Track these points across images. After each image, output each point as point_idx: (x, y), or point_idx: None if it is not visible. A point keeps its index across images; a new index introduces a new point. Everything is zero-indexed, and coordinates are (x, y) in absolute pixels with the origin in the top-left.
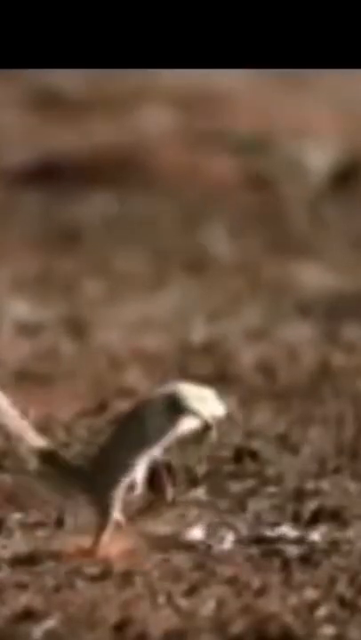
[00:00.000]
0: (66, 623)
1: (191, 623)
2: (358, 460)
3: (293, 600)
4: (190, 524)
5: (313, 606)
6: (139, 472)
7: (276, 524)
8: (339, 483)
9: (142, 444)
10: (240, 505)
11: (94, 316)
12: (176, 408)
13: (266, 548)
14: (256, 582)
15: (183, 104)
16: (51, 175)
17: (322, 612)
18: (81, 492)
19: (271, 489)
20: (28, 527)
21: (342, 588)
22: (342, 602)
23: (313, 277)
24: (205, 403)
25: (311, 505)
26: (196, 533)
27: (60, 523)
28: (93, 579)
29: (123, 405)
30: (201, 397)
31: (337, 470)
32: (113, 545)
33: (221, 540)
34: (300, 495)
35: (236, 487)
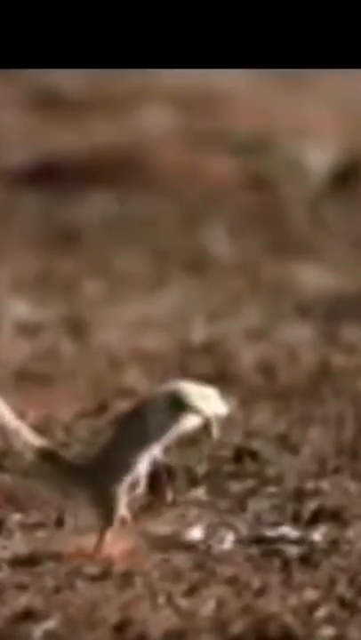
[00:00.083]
0: (66, 623)
1: (191, 623)
2: (358, 459)
3: (293, 600)
4: (190, 524)
5: (313, 607)
6: (141, 470)
7: (276, 524)
8: (339, 483)
9: (144, 441)
10: (240, 505)
11: (94, 316)
12: (178, 406)
13: (266, 548)
14: (256, 582)
15: (183, 104)
16: (50, 175)
17: (322, 612)
18: (83, 491)
19: (271, 489)
20: (27, 528)
21: (342, 588)
22: (342, 602)
23: (313, 278)
24: (208, 401)
25: (311, 505)
26: (196, 533)
27: (60, 523)
28: (93, 579)
29: (123, 406)
30: (203, 396)
31: (337, 470)
32: (113, 545)
33: (221, 540)
34: (300, 495)
35: (236, 487)
